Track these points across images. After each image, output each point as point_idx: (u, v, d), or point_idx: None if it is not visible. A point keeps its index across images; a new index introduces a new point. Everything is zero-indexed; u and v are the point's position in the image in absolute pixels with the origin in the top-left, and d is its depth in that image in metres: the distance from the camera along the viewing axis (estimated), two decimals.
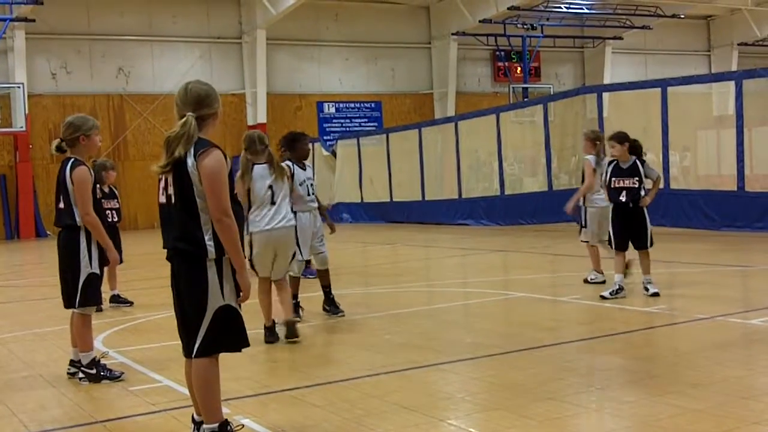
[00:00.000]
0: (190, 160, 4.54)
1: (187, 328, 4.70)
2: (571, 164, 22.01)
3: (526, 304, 9.97)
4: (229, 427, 4.75)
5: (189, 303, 4.67)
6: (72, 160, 6.78)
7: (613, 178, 9.52)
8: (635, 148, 9.51)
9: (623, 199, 9.41)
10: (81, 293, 6.73)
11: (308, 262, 12.94)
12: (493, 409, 5.41)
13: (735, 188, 16.64)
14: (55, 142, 6.86)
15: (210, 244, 4.58)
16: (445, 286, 12.14)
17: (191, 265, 4.62)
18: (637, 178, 9.37)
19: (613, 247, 9.60)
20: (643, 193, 9.39)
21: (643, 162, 9.48)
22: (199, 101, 4.68)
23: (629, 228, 9.47)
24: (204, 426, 4.73)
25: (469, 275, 13.76)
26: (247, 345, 4.80)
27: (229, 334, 4.70)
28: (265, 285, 8.16)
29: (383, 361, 7.05)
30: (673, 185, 17.63)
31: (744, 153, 16.55)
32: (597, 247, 10.77)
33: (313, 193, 9.18)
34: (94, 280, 6.80)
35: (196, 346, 4.64)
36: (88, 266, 6.76)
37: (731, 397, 5.37)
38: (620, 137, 9.52)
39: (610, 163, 9.66)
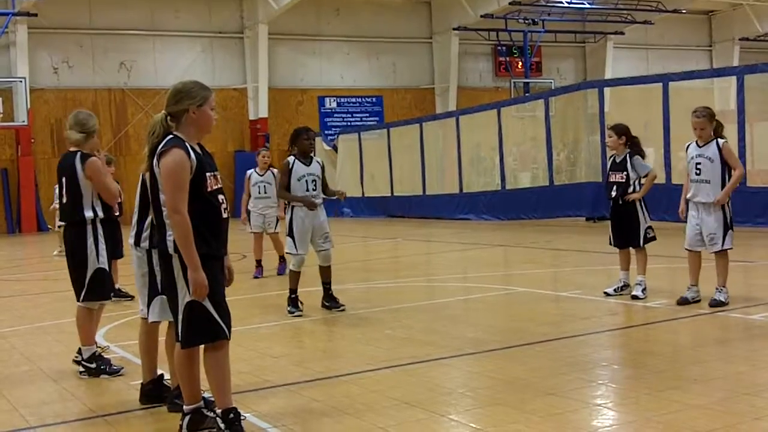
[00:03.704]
0: (155, 158, 4.77)
1: (174, 317, 4.89)
2: (561, 158, 22.02)
3: (528, 299, 9.96)
4: (203, 412, 4.96)
5: (167, 295, 4.93)
6: (79, 153, 6.82)
7: (609, 172, 9.49)
8: (633, 143, 9.43)
9: (613, 194, 9.36)
10: (87, 288, 6.77)
11: (281, 257, 12.97)
12: (495, 404, 5.40)
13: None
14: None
15: (170, 239, 4.75)
16: (446, 281, 12.13)
17: (162, 259, 4.86)
18: (625, 173, 9.27)
19: (611, 243, 9.56)
20: (632, 189, 9.25)
21: (633, 156, 9.34)
22: (170, 99, 4.90)
23: (622, 225, 9.41)
24: (183, 407, 5.00)
25: (470, 270, 13.75)
26: (225, 337, 4.84)
27: (200, 328, 4.79)
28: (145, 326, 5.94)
29: (384, 355, 7.05)
30: (675, 180, 17.60)
31: (745, 148, 16.53)
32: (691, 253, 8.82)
33: (314, 189, 9.21)
34: (101, 275, 6.82)
35: (179, 336, 4.84)
36: (95, 262, 6.79)
37: (733, 392, 5.37)
38: (617, 129, 9.47)
39: (610, 156, 9.62)
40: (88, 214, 6.80)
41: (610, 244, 9.59)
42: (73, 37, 30.06)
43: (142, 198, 5.64)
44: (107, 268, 6.90)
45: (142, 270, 5.66)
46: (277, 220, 12.97)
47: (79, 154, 6.83)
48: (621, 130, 9.40)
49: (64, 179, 6.87)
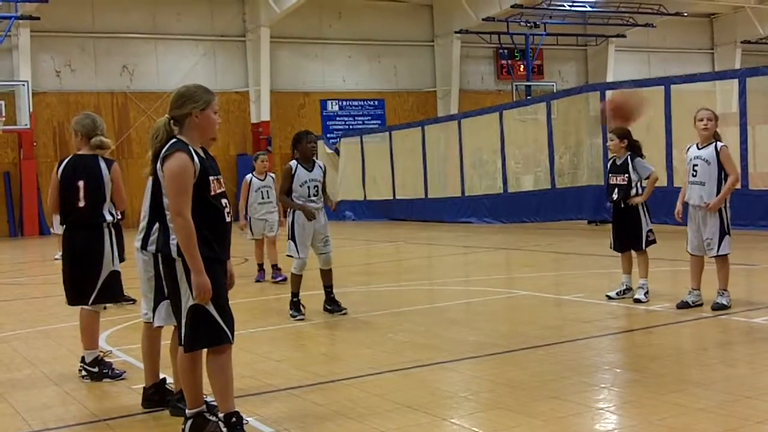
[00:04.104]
0: (159, 162, 4.79)
1: (177, 320, 4.91)
2: (563, 160, 21.99)
3: (530, 302, 9.95)
4: (205, 416, 4.94)
5: (171, 299, 4.94)
6: (100, 157, 6.87)
7: (610, 175, 9.49)
8: (634, 147, 9.42)
9: (615, 196, 9.36)
10: (99, 291, 6.81)
11: (275, 266, 12.77)
12: (496, 408, 5.40)
13: (738, 186, 16.59)
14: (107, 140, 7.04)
15: (173, 243, 4.76)
16: (448, 285, 12.12)
17: (165, 263, 4.86)
18: (626, 175, 9.25)
19: (612, 247, 9.56)
20: (634, 191, 9.24)
21: (634, 158, 9.31)
22: (173, 102, 4.92)
23: (624, 228, 9.41)
24: (186, 411, 4.99)
25: (472, 273, 13.75)
26: (228, 341, 4.84)
27: (203, 332, 4.79)
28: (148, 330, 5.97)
29: (386, 359, 7.04)
30: (677, 183, 17.60)
31: (747, 151, 16.52)
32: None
33: (316, 195, 9.22)
34: (115, 277, 6.91)
35: (182, 340, 4.85)
36: (110, 264, 6.85)
37: (735, 396, 5.36)
38: (618, 132, 9.45)
39: (609, 159, 9.63)
40: (109, 217, 6.90)
41: (611, 248, 9.59)
42: (75, 41, 30.11)
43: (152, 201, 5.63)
44: (119, 270, 6.95)
45: (149, 274, 5.64)
46: (278, 225, 12.82)
47: (101, 158, 6.88)
48: (623, 134, 9.39)
49: (81, 182, 6.84)
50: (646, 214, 9.34)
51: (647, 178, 9.30)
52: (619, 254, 9.56)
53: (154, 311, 5.55)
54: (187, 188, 4.69)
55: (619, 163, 9.38)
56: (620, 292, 9.38)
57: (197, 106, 4.85)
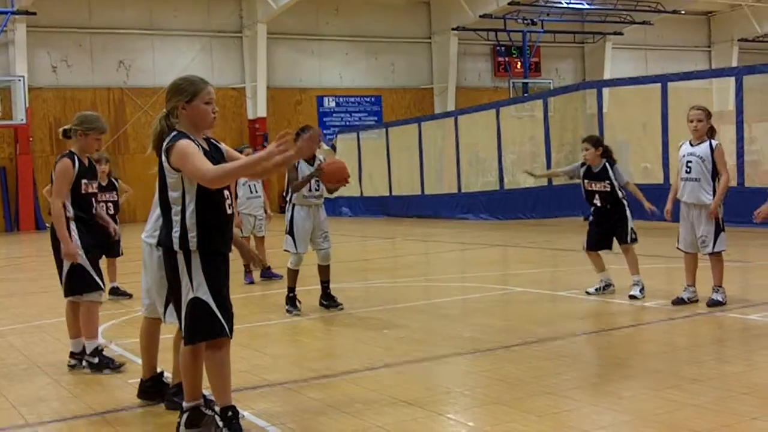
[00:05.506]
0: (163, 156, 4.78)
1: (177, 314, 4.92)
2: (560, 158, 21.99)
3: (526, 298, 9.97)
4: (201, 410, 4.96)
5: (171, 292, 4.97)
6: (65, 152, 6.87)
7: (585, 180, 9.58)
8: (608, 153, 9.56)
9: (598, 203, 9.47)
10: (65, 283, 6.85)
11: (247, 267, 12.54)
12: (492, 404, 5.41)
13: (735, 184, 16.63)
14: (64, 127, 6.99)
15: (176, 236, 4.77)
16: (444, 281, 12.14)
17: (166, 255, 4.88)
18: (608, 182, 9.40)
19: (585, 247, 9.64)
20: (621, 194, 9.39)
21: (612, 165, 9.47)
22: (167, 94, 4.94)
23: (607, 228, 9.50)
24: (183, 404, 5.01)
25: (468, 270, 13.76)
26: (227, 336, 4.83)
27: (202, 325, 4.79)
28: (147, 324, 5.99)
29: (382, 355, 7.06)
30: (673, 180, 17.59)
31: (744, 149, 16.54)
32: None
33: (317, 189, 9.24)
34: (76, 271, 6.80)
35: (182, 333, 4.87)
36: None
37: (730, 392, 5.38)
38: (593, 140, 9.64)
39: (582, 165, 9.70)
40: (69, 211, 6.79)
41: (584, 248, 9.69)
42: (72, 36, 30.04)
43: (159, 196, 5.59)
44: (85, 263, 6.80)
45: (162, 271, 5.59)
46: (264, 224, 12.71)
47: (68, 152, 6.87)
48: (598, 142, 9.73)
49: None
50: (630, 212, 9.47)
51: (625, 185, 9.44)
52: (589, 257, 9.66)
53: (165, 307, 5.48)
54: (198, 156, 4.63)
55: (596, 170, 9.51)
56: (599, 288, 9.55)
57: (182, 99, 4.85)
